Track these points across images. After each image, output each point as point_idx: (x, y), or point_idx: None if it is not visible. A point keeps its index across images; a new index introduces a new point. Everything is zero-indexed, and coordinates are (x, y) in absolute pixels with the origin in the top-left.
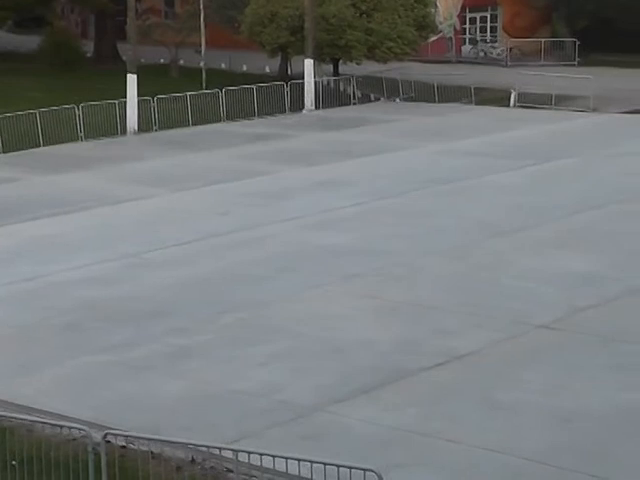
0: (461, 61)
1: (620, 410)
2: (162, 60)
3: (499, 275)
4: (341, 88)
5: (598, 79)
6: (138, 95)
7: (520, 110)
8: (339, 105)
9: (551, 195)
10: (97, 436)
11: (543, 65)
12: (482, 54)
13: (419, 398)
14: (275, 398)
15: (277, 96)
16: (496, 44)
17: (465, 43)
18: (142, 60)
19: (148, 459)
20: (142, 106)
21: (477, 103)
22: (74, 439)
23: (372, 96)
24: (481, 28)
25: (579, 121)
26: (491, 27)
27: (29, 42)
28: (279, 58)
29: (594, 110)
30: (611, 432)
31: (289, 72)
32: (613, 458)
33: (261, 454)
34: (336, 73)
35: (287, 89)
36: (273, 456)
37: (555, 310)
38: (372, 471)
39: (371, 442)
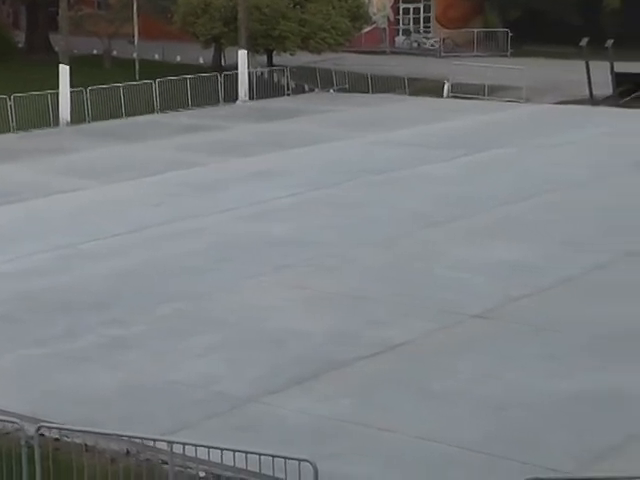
0: (395, 52)
1: (551, 398)
2: (95, 51)
3: (432, 265)
4: (275, 79)
5: (530, 70)
6: (71, 86)
7: (453, 100)
8: (273, 96)
9: (484, 185)
10: (30, 429)
11: (476, 56)
12: (415, 45)
13: (353, 388)
14: (211, 389)
15: (211, 87)
16: (429, 35)
17: (399, 34)
18: (75, 51)
19: (82, 452)
20: (75, 97)
21: (411, 94)
22: (7, 433)
23: (306, 87)
24: (414, 19)
25: (511, 111)
26: (424, 18)
27: None
28: (213, 49)
29: (526, 100)
30: (543, 420)
31: (223, 63)
32: (544, 446)
33: (196, 445)
34: (270, 64)
35: (221, 80)
36: (208, 447)
37: (488, 300)
38: (307, 461)
39: (305, 432)
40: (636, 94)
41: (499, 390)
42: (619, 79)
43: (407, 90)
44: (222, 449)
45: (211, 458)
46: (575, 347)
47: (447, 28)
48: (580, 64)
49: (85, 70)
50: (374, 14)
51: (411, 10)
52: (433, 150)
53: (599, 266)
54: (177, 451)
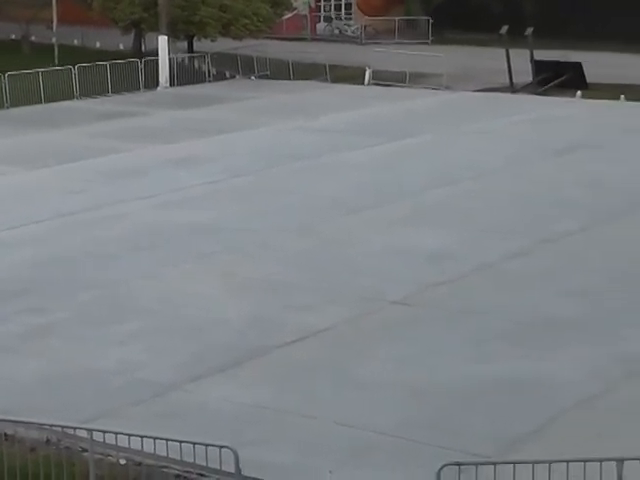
0: (316, 39)
1: (470, 383)
2: (13, 36)
3: (352, 252)
4: (196, 65)
5: (451, 57)
6: None
7: (375, 88)
8: (194, 82)
9: (403, 172)
10: None
11: (397, 43)
12: (337, 32)
13: (275, 375)
14: (132, 377)
15: (131, 73)
16: (351, 22)
17: (320, 21)
18: None
19: (1, 441)
20: None
21: (332, 81)
22: None
23: (227, 73)
24: (336, 6)
25: (432, 99)
26: (346, 5)
27: None
28: (133, 35)
29: (447, 88)
30: (462, 405)
31: (143, 49)
32: (464, 431)
33: (116, 433)
34: (191, 50)
35: (141, 66)
36: (129, 435)
37: (407, 286)
38: (227, 448)
39: (227, 419)
40: (555, 82)
41: (419, 376)
42: (538, 67)
43: (328, 77)
44: (143, 437)
45: (132, 446)
46: (493, 333)
47: (368, 15)
48: (500, 52)
49: (3, 55)
50: (295, 1)
51: None
52: (354, 137)
53: (517, 253)
54: (97, 439)
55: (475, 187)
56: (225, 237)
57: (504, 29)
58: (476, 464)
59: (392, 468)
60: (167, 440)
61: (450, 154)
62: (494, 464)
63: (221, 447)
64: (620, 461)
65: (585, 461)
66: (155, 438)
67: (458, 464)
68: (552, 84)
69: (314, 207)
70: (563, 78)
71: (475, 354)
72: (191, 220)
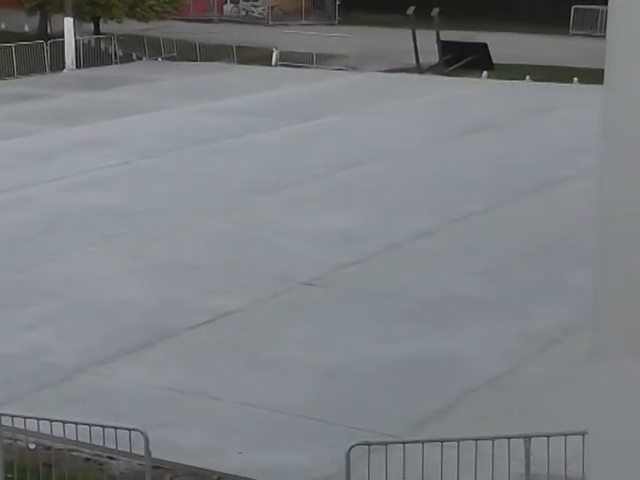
0: (223, 20)
1: (380, 363)
2: None
3: (262, 234)
4: (102, 47)
5: (358, 38)
6: None
7: (282, 69)
8: (101, 64)
9: (312, 153)
10: None
11: (304, 24)
12: (244, 13)
13: (184, 357)
14: (41, 360)
15: (37, 55)
16: (257, 3)
17: (227, 2)
18: None
19: None
20: None
21: (239, 62)
22: None
23: (134, 55)
24: None
25: (339, 80)
26: None
27: None
28: (38, 16)
29: (354, 69)
30: (371, 385)
31: (49, 31)
32: (373, 410)
33: (25, 417)
34: (97, 32)
35: (47, 48)
36: (37, 419)
37: (317, 267)
38: (137, 430)
39: (136, 402)
40: (461, 63)
41: (328, 356)
42: (444, 48)
43: (235, 58)
44: (52, 420)
45: (41, 430)
46: (402, 312)
47: None
48: (407, 32)
49: None
50: None
51: None
52: (262, 118)
53: (424, 233)
54: (6, 423)
55: (383, 168)
56: (134, 220)
57: (411, 10)
58: (385, 444)
59: (302, 449)
60: (76, 424)
61: (358, 135)
62: (403, 443)
63: (130, 430)
64: (527, 438)
65: (493, 439)
66: (64, 422)
67: (367, 444)
68: (458, 65)
69: (223, 189)
70: (469, 59)
71: (384, 334)
72: (100, 203)
